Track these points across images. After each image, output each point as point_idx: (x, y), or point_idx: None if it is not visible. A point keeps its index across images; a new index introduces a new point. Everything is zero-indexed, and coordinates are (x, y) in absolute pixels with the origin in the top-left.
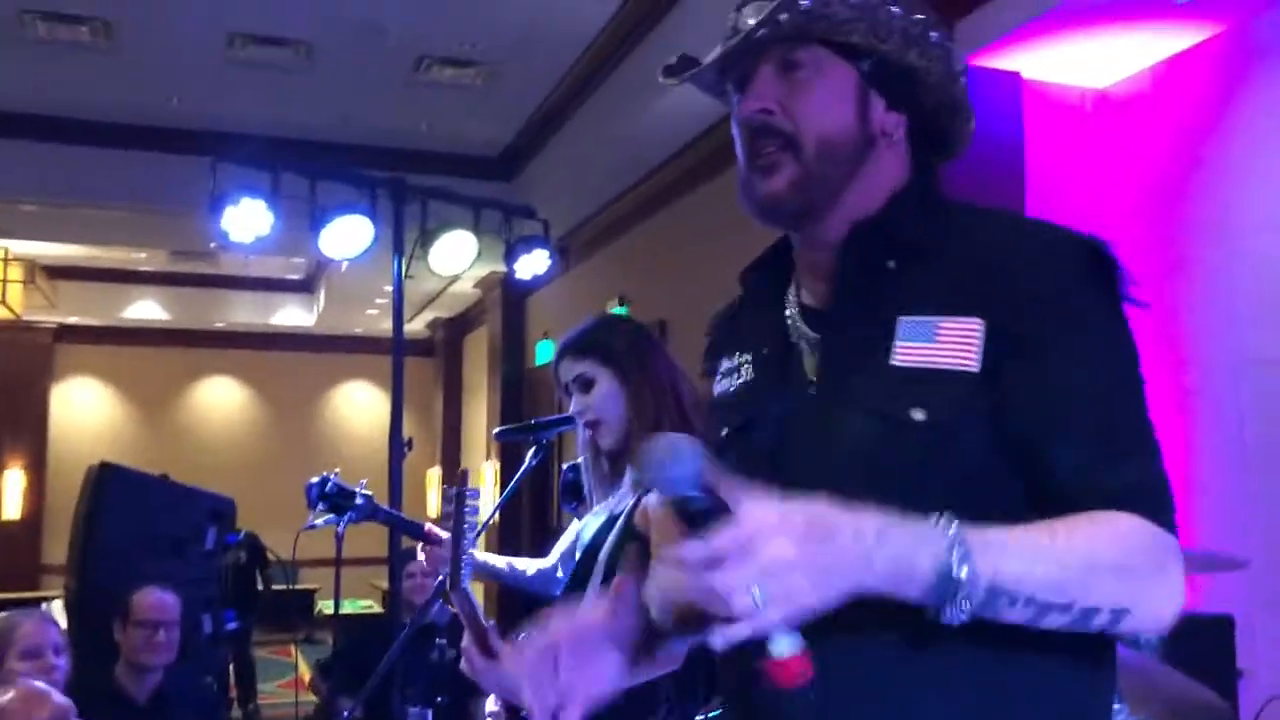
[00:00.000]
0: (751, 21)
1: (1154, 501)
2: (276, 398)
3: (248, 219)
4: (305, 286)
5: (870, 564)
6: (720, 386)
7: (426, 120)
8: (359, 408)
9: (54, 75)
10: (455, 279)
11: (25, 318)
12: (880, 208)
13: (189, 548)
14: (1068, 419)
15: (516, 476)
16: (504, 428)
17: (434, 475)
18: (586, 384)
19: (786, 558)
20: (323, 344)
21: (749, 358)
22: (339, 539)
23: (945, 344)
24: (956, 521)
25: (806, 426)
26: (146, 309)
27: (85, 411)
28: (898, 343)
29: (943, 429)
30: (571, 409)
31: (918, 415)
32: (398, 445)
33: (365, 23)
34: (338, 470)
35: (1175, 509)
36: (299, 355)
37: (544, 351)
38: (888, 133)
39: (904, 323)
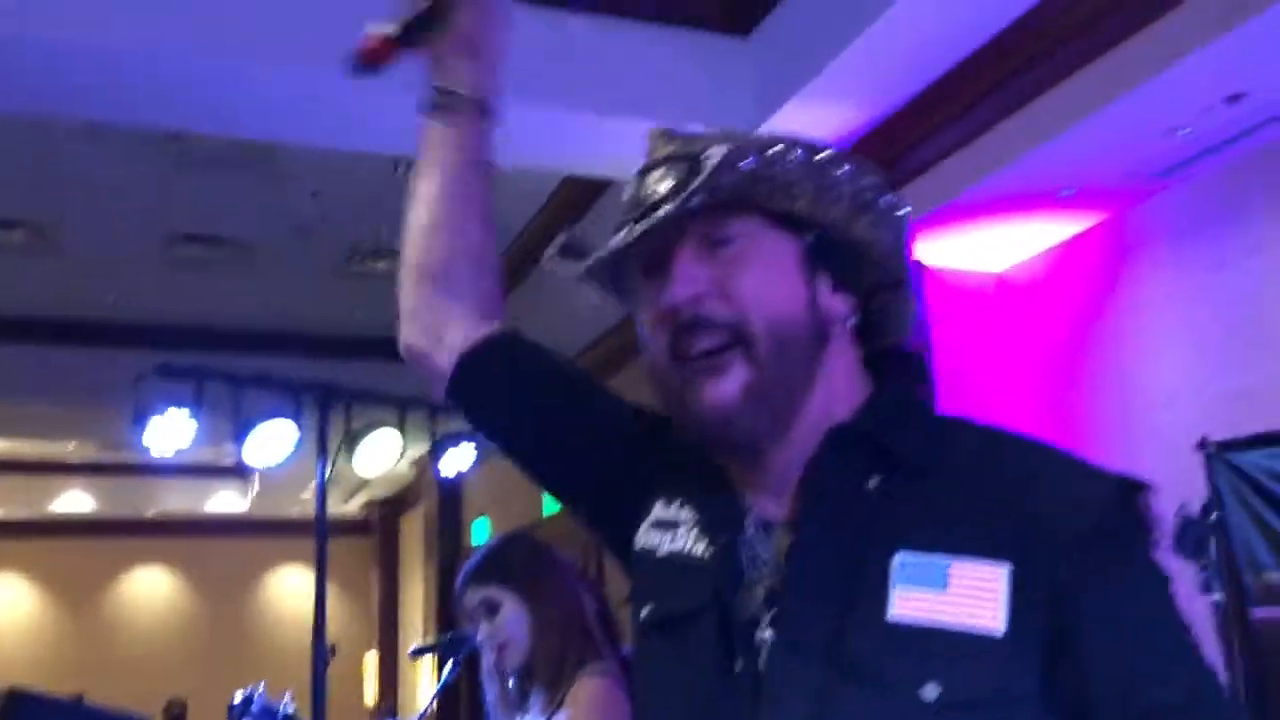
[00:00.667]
0: (661, 190)
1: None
2: (209, 586)
3: (170, 431)
4: (238, 472)
5: None
6: (651, 538)
7: (359, 309)
8: (293, 592)
9: None
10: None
11: None
12: (853, 413)
13: None
14: (1155, 672)
15: (433, 695)
16: (418, 646)
17: (371, 659)
18: (492, 608)
19: None
20: (257, 529)
21: (693, 523)
22: None
23: (960, 595)
24: None
25: (778, 673)
26: (75, 500)
27: (11, 610)
28: (897, 589)
29: (965, 711)
30: (480, 635)
31: (930, 693)
32: (320, 654)
33: (297, 222)
34: (262, 685)
35: None
36: (232, 541)
37: (480, 530)
38: (837, 319)
39: (904, 562)
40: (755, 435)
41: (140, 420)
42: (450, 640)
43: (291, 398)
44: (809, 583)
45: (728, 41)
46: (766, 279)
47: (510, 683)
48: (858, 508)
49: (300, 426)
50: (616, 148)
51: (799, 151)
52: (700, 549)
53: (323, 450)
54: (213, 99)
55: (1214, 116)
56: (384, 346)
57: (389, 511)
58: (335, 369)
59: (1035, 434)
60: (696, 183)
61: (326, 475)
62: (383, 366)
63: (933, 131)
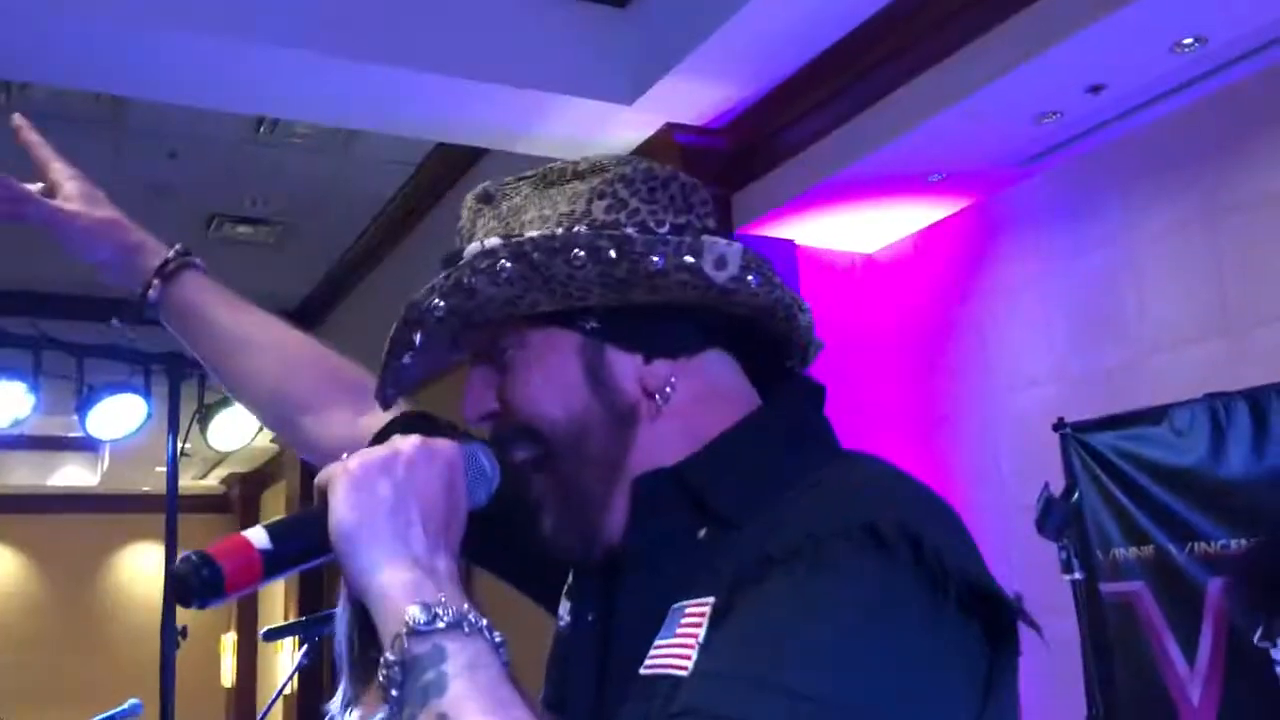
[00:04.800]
0: (418, 316)
1: None
2: (55, 565)
3: (4, 402)
4: (88, 445)
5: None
6: (562, 606)
7: (220, 276)
8: (146, 571)
9: None
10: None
11: None
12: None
13: None
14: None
15: (283, 681)
16: (270, 628)
17: (228, 640)
18: None
19: (376, 460)
20: (108, 504)
21: (571, 602)
22: None
23: (681, 636)
24: (475, 649)
25: None
26: None
27: None
28: (658, 640)
29: None
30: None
31: None
32: (170, 636)
33: (152, 183)
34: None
35: None
36: (81, 517)
37: None
38: (655, 394)
39: (673, 611)
40: (575, 550)
41: None
42: (307, 622)
43: (140, 369)
44: (618, 637)
45: (606, 11)
46: (541, 382)
47: (361, 649)
48: (682, 561)
49: (150, 399)
50: (490, 115)
51: (530, 255)
52: (565, 619)
53: (173, 424)
54: (56, 49)
55: (1076, 107)
56: None
57: (250, 487)
58: None
59: (900, 411)
60: (404, 331)
61: (179, 450)
62: None
63: (806, 113)
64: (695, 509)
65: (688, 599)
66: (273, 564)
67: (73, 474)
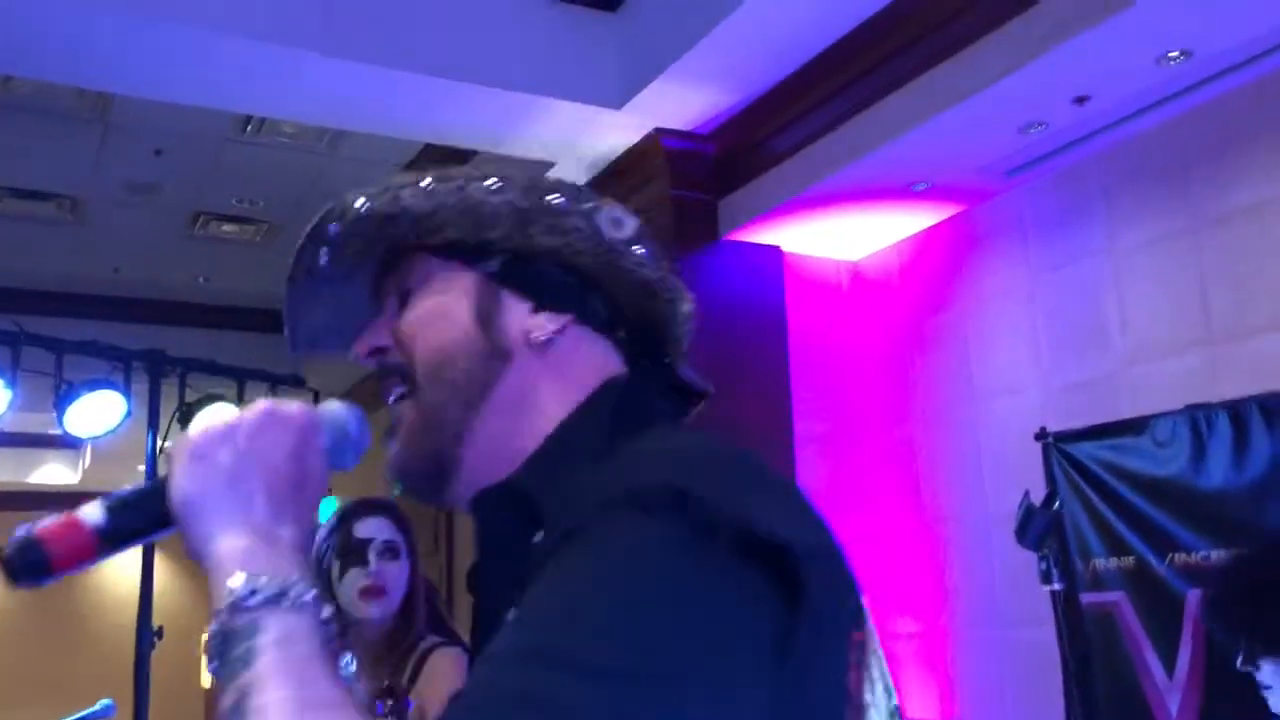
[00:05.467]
0: (304, 258)
1: None
2: None
3: None
4: (69, 443)
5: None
6: None
7: (203, 274)
8: (124, 571)
9: None
10: None
11: None
12: (524, 463)
13: None
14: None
15: None
16: None
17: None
18: (394, 552)
19: (215, 430)
20: (89, 503)
21: None
22: None
23: (436, 672)
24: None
25: None
26: None
27: None
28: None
29: None
30: (371, 568)
31: None
32: (145, 636)
33: (136, 180)
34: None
35: None
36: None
37: (326, 509)
38: (532, 336)
39: (506, 620)
40: (420, 480)
41: None
42: None
43: (120, 365)
44: (476, 644)
45: (596, 16)
46: (428, 312)
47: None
48: (521, 566)
49: (129, 396)
50: (478, 117)
51: (452, 181)
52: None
53: (153, 422)
54: (42, 43)
55: (1061, 118)
56: (225, 314)
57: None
58: (171, 336)
59: (885, 416)
60: (311, 230)
61: (160, 448)
62: (225, 336)
63: (792, 119)
64: (530, 517)
65: (513, 609)
66: (109, 539)
67: (54, 472)
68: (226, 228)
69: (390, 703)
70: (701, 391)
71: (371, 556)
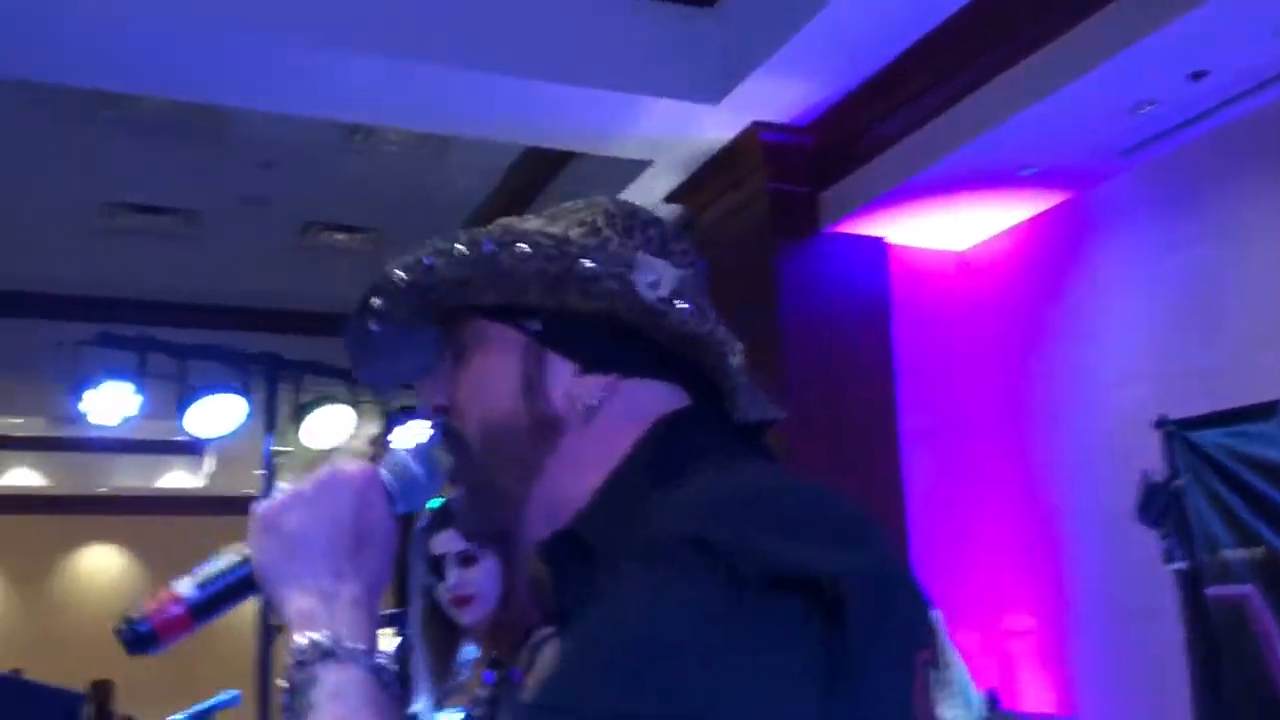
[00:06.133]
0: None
1: None
2: (162, 565)
3: (112, 401)
4: (193, 448)
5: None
6: None
7: (315, 283)
8: None
9: None
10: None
11: None
12: (578, 513)
13: None
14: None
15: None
16: None
17: None
18: (470, 560)
19: (280, 500)
20: (212, 506)
21: None
22: None
23: (546, 665)
24: (343, 673)
25: None
26: (23, 476)
27: None
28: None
29: None
30: (450, 582)
31: None
32: (267, 630)
33: (250, 192)
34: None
35: None
36: (186, 519)
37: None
38: (578, 404)
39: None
40: (484, 538)
41: (78, 390)
42: (398, 615)
43: (239, 370)
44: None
45: (691, 11)
46: (480, 381)
47: (439, 642)
48: (578, 600)
49: (249, 400)
50: (578, 118)
51: (481, 248)
52: None
53: (270, 424)
54: (157, 60)
55: (1177, 95)
56: (337, 322)
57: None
58: (285, 344)
59: (994, 411)
60: (360, 304)
61: (275, 449)
62: (335, 343)
63: (895, 108)
64: (587, 559)
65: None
66: (201, 611)
67: (178, 477)
68: (337, 237)
69: (499, 672)
70: (773, 419)
71: (449, 570)
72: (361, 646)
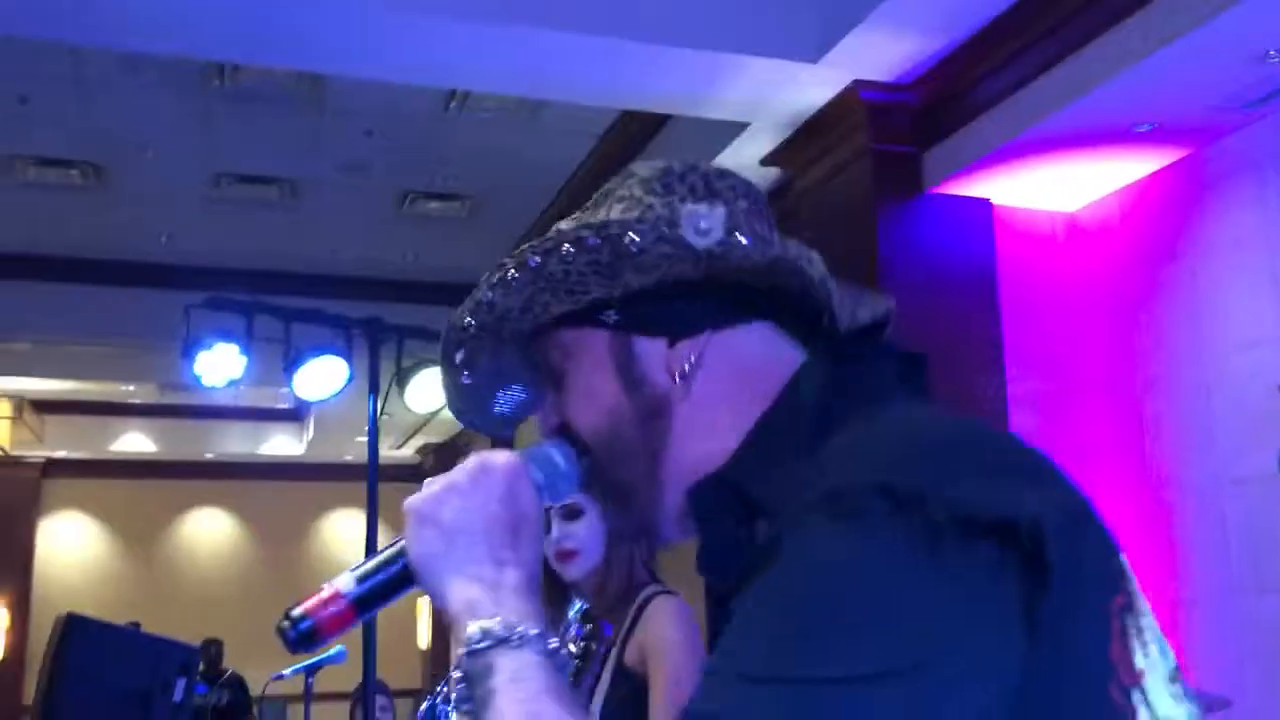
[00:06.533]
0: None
1: None
2: (266, 528)
3: (221, 363)
4: (294, 415)
5: (453, 574)
6: None
7: (413, 251)
8: (348, 536)
9: (44, 215)
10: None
11: (12, 453)
12: (726, 458)
13: (156, 701)
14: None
15: None
16: None
17: (425, 604)
18: (574, 513)
19: (435, 492)
20: (312, 472)
21: None
22: (308, 687)
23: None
24: (517, 658)
25: None
26: (135, 441)
27: (72, 547)
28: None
29: None
30: (554, 535)
31: None
32: None
33: (349, 161)
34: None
35: None
36: (288, 484)
37: None
38: (679, 375)
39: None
40: (640, 538)
41: (190, 352)
42: None
43: (342, 333)
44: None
45: None
46: (581, 391)
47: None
48: (743, 554)
49: (351, 364)
50: (674, 80)
51: (526, 269)
52: None
53: (374, 387)
54: (264, 30)
55: None
56: (435, 289)
57: (443, 456)
58: (383, 311)
59: (1103, 376)
60: (447, 348)
61: (378, 413)
62: (434, 309)
63: (1002, 63)
64: (745, 509)
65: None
66: (363, 605)
67: (281, 444)
68: (433, 204)
69: (589, 627)
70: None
71: (554, 523)
72: (535, 630)
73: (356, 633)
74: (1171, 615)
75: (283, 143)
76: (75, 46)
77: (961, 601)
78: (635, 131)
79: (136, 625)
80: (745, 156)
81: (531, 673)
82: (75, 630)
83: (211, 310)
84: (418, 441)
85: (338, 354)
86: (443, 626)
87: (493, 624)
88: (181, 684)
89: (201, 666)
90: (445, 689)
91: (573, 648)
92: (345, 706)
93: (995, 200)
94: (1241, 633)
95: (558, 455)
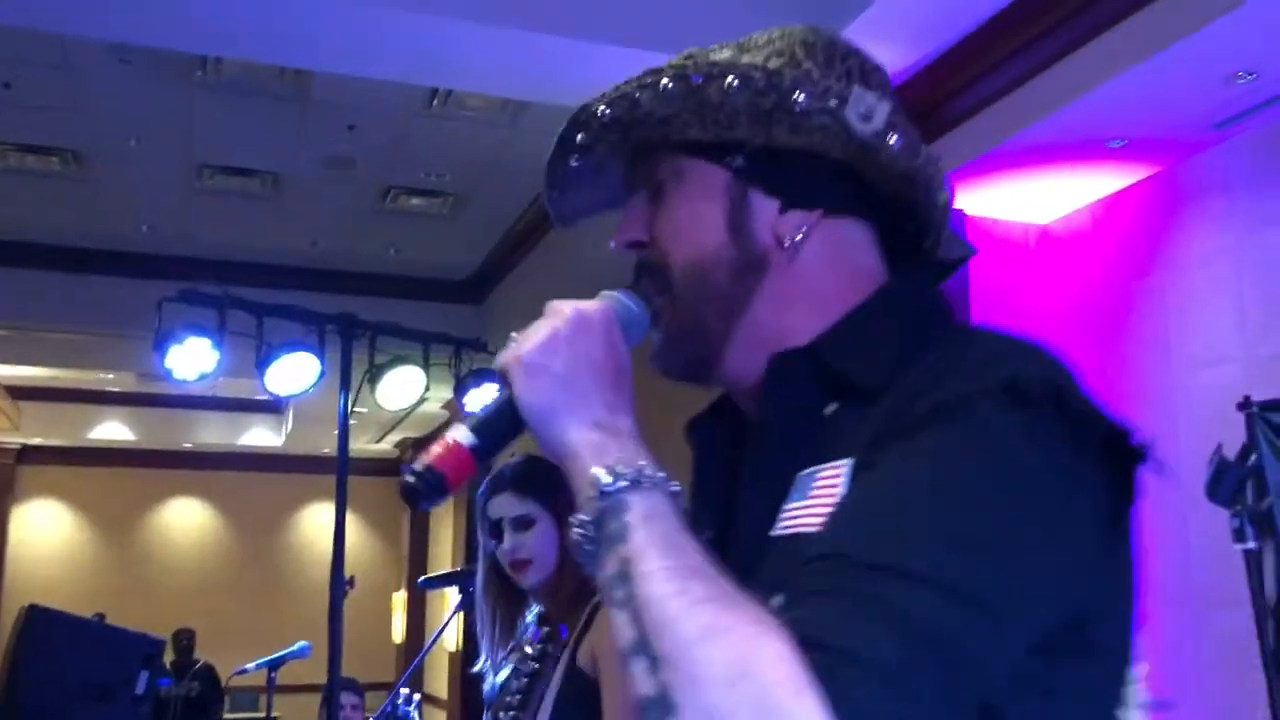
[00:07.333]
0: (572, 146)
1: (842, 674)
2: (243, 519)
3: (193, 356)
4: (273, 407)
5: (571, 417)
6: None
7: (394, 246)
8: (324, 529)
9: (24, 202)
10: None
11: None
12: (813, 337)
13: (119, 692)
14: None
15: (437, 630)
16: (427, 577)
17: (399, 599)
18: (526, 523)
19: (540, 341)
20: (290, 464)
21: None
22: (271, 681)
23: (816, 499)
24: (647, 502)
25: None
26: (112, 430)
27: (46, 533)
28: (786, 506)
29: None
30: (506, 546)
31: (776, 604)
32: (339, 583)
33: (332, 155)
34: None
35: (877, 703)
36: (266, 476)
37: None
38: (784, 240)
39: (799, 478)
40: (693, 373)
41: (162, 345)
42: (462, 573)
43: (315, 329)
44: (742, 507)
45: None
46: (683, 218)
47: (504, 601)
48: (808, 434)
49: (323, 359)
50: None
51: (688, 81)
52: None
53: (345, 382)
54: (246, 23)
55: (1275, 65)
56: (414, 285)
57: (421, 452)
58: (361, 305)
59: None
60: (563, 140)
61: (350, 408)
62: (411, 305)
63: (978, 76)
64: (826, 386)
65: (818, 467)
66: (482, 452)
67: (259, 435)
68: (415, 200)
69: (546, 630)
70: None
71: (506, 533)
72: (661, 474)
73: (322, 628)
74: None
75: (266, 135)
76: (58, 35)
77: (1087, 513)
78: None
79: (101, 617)
80: None
81: (665, 512)
82: (37, 622)
83: (184, 304)
84: (395, 436)
85: (310, 350)
86: (418, 622)
87: (621, 467)
88: (144, 676)
89: (173, 657)
90: (407, 688)
91: (529, 649)
92: (316, 698)
93: (969, 211)
94: (1201, 645)
95: (631, 303)
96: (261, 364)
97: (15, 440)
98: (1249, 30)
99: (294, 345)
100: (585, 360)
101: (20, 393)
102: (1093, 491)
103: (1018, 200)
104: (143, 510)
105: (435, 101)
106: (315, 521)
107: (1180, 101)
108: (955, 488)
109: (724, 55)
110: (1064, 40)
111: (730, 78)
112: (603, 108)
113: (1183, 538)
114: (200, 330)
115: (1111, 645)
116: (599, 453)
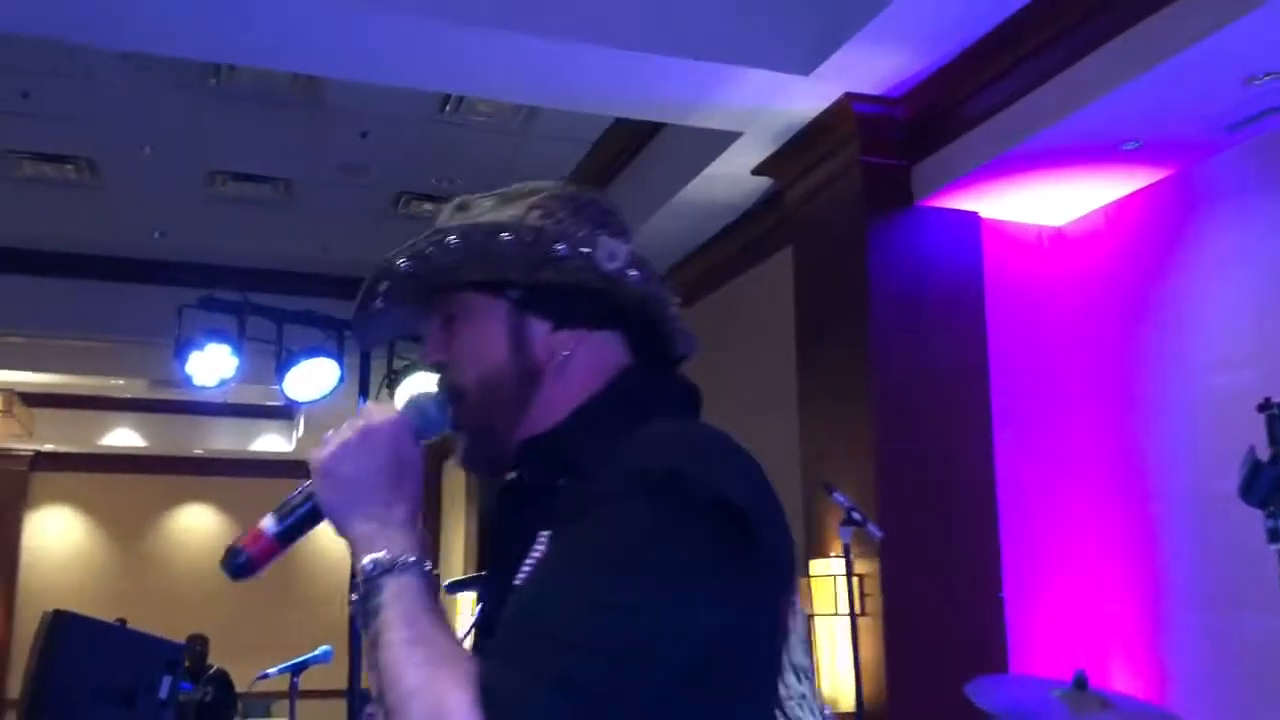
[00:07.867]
0: (376, 298)
1: (507, 716)
2: (253, 524)
3: (213, 363)
4: (285, 413)
5: (352, 519)
6: None
7: None
8: (335, 534)
9: (39, 210)
10: None
11: (1, 445)
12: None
13: (142, 698)
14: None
15: (464, 633)
16: (454, 580)
17: None
18: None
19: (333, 450)
20: (302, 470)
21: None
22: (294, 686)
23: (533, 558)
24: (396, 584)
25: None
26: (124, 436)
27: (59, 540)
28: (525, 560)
29: None
30: None
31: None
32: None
33: (345, 162)
34: None
35: None
36: (278, 482)
37: None
38: (557, 356)
39: (538, 538)
40: (492, 467)
41: (182, 352)
42: (475, 579)
43: (334, 335)
44: (499, 558)
45: None
46: (473, 343)
47: None
48: (546, 502)
49: (342, 365)
50: (668, 89)
51: (471, 238)
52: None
53: (363, 389)
54: (259, 31)
55: None
56: None
57: (432, 456)
58: None
59: (1087, 389)
60: (368, 288)
61: None
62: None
63: (992, 79)
64: (558, 464)
65: (543, 531)
66: (284, 538)
67: (271, 441)
68: (428, 206)
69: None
70: (685, 355)
71: None
72: (413, 558)
73: (337, 632)
74: (1152, 629)
75: (279, 142)
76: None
77: (708, 569)
78: (629, 139)
79: (123, 622)
80: (737, 166)
81: (411, 590)
82: (62, 627)
83: (204, 310)
84: None
85: (329, 356)
86: None
87: (380, 554)
88: (167, 681)
89: (186, 663)
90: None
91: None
92: (332, 705)
93: (983, 213)
94: (1219, 648)
95: (431, 406)
96: (281, 370)
97: (29, 447)
98: (1263, 34)
99: (314, 351)
100: (369, 466)
101: (34, 400)
102: (707, 554)
103: (1032, 202)
104: (155, 516)
105: (447, 108)
106: (327, 528)
107: (1195, 104)
108: (599, 564)
109: (488, 204)
110: (1078, 44)
111: (504, 234)
112: (402, 261)
113: (1203, 541)
114: (220, 336)
115: (753, 663)
116: (369, 543)
